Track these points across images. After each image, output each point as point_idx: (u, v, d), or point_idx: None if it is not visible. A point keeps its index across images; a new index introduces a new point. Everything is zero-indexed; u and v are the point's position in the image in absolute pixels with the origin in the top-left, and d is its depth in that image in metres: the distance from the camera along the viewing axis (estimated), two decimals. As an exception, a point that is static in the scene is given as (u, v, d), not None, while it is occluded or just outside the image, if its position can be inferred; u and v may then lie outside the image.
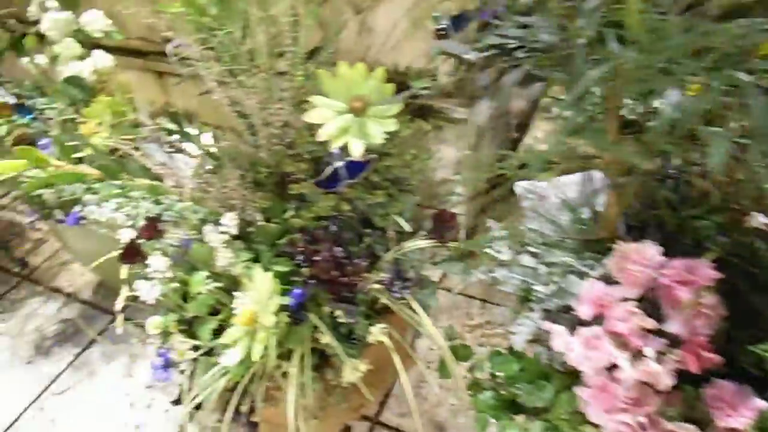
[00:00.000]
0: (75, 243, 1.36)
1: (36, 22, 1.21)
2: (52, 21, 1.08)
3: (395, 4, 1.12)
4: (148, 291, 0.71)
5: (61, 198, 1.08)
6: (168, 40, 1.27)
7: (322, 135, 0.73)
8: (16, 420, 1.22)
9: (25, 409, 1.24)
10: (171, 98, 1.63)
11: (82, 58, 1.25)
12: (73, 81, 1.14)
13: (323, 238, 0.69)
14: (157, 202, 0.77)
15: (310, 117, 0.74)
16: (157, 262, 0.71)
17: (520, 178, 0.94)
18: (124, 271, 0.92)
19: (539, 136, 1.19)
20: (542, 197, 0.99)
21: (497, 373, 0.79)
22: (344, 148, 0.65)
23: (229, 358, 0.65)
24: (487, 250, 0.80)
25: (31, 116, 0.98)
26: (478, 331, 1.27)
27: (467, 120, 1.27)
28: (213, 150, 0.85)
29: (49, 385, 1.28)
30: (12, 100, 0.92)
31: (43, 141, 0.79)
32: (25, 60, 1.25)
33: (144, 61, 1.56)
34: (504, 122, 1.55)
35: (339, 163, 0.66)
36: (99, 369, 1.31)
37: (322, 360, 0.80)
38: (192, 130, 0.94)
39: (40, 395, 1.26)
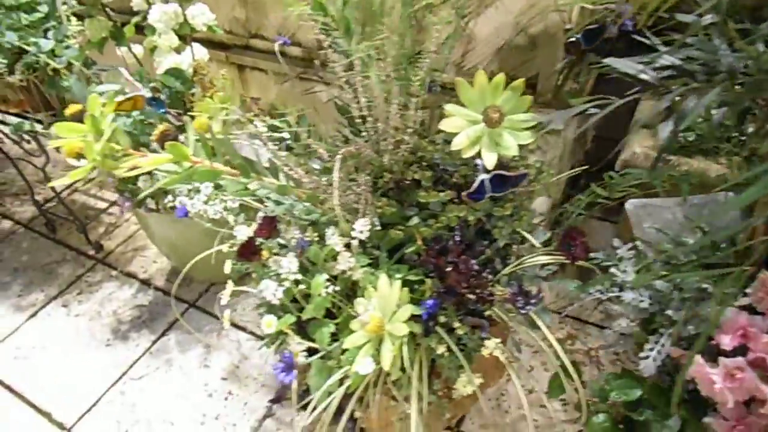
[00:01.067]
0: (158, 231, 1.38)
1: (137, 12, 1.23)
2: (161, 13, 1.09)
3: (500, 12, 1.10)
4: (273, 291, 0.70)
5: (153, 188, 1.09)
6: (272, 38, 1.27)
7: (455, 144, 0.72)
8: (97, 401, 1.24)
9: (106, 392, 1.26)
10: (251, 92, 1.64)
11: (178, 50, 1.26)
12: (174, 73, 1.15)
13: (452, 249, 0.68)
14: (278, 202, 0.77)
15: (445, 125, 0.73)
16: (289, 264, 0.71)
17: (632, 196, 0.91)
18: (228, 266, 0.92)
19: (638, 151, 1.15)
20: (659, 216, 0.96)
21: (615, 396, 0.77)
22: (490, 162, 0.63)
23: (364, 367, 0.64)
24: (612, 270, 0.78)
25: (164, 110, 1.00)
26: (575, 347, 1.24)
27: (559, 130, 1.24)
28: (327, 152, 0.85)
29: (128, 370, 1.30)
30: (147, 93, 0.93)
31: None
32: (123, 49, 1.28)
33: (226, 53, 1.57)
34: (583, 135, 1.51)
35: (485, 176, 0.64)
36: (176, 357, 1.32)
37: (430, 370, 0.79)
38: (301, 130, 0.94)
39: (119, 379, 1.29)
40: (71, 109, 0.68)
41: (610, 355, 1.25)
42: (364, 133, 0.82)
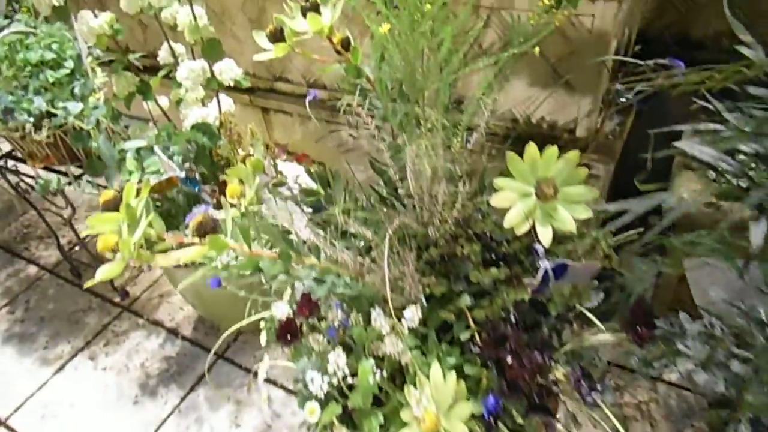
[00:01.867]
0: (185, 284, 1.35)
1: (164, 66, 1.21)
2: (188, 70, 1.07)
3: (537, 59, 1.05)
4: (319, 385, 0.66)
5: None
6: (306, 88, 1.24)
7: (508, 221, 0.67)
8: (127, 465, 1.21)
9: (135, 454, 1.23)
10: (275, 134, 1.61)
11: (204, 100, 1.24)
12: (201, 128, 1.12)
13: (510, 336, 0.63)
14: (319, 280, 0.73)
15: (495, 201, 0.68)
16: (336, 359, 0.66)
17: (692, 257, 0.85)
18: (263, 339, 0.88)
19: (686, 196, 1.09)
20: (723, 278, 0.90)
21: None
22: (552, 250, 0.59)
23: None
24: (679, 347, 0.72)
25: (199, 188, 0.97)
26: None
27: (599, 177, 1.19)
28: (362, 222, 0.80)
29: (157, 430, 1.27)
30: (181, 174, 0.91)
31: (200, 210, 0.77)
32: (150, 104, 1.26)
33: (251, 96, 1.55)
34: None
35: (548, 263, 0.59)
36: (205, 415, 1.28)
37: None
38: (337, 190, 0.90)
39: (149, 439, 1.25)
40: (105, 196, 0.65)
41: (662, 409, 1.18)
42: (403, 196, 0.78)
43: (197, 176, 0.97)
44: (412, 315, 0.65)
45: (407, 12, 0.64)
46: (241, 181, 0.93)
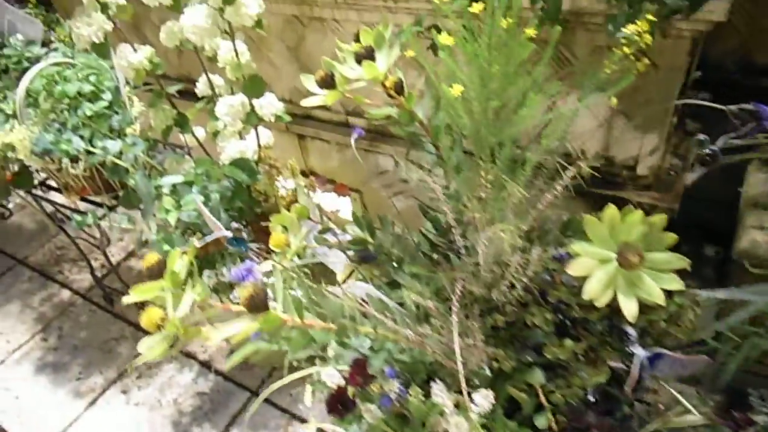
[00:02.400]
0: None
1: (202, 98, 1.17)
2: (228, 106, 1.03)
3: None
4: (377, 469, 0.60)
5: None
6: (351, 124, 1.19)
7: (587, 293, 0.61)
8: None
9: (169, 498, 1.19)
10: (310, 160, 1.57)
11: (241, 133, 1.20)
12: (240, 164, 1.08)
13: (594, 425, 0.56)
14: (375, 350, 0.67)
15: (573, 269, 0.62)
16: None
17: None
18: (308, 397, 0.83)
19: (759, 239, 1.01)
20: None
21: None
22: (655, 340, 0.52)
23: None
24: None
25: (245, 247, 0.93)
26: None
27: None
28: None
29: (191, 472, 1.23)
30: (228, 234, 0.86)
31: (246, 268, 0.72)
32: (188, 136, 1.23)
33: (287, 123, 1.50)
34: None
35: (644, 353, 0.52)
36: (241, 458, 1.24)
37: None
38: (385, 238, 0.85)
39: (182, 483, 1.21)
40: (148, 261, 0.61)
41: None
42: (459, 247, 0.72)
43: (244, 235, 0.92)
44: (484, 400, 0.59)
45: (477, 69, 0.58)
46: (285, 228, 0.88)
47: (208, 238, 0.69)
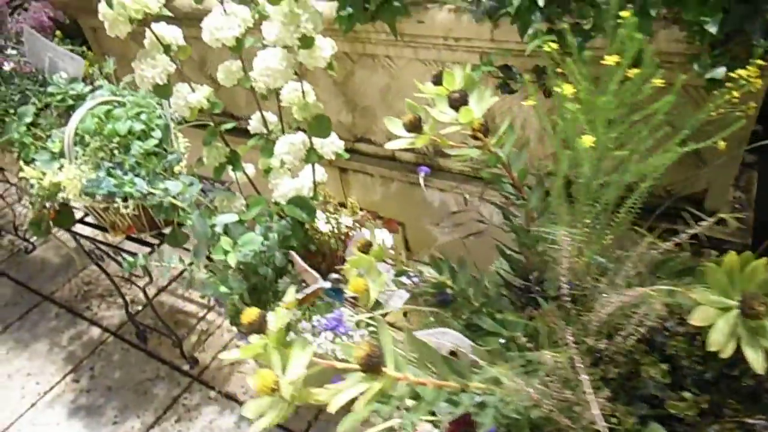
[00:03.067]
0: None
1: (254, 135, 1.16)
2: (288, 144, 1.01)
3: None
4: None
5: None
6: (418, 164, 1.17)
7: (711, 344, 0.58)
8: None
9: None
10: (352, 193, 1.55)
11: (293, 171, 1.18)
12: (298, 202, 1.06)
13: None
14: (483, 404, 0.63)
15: (695, 319, 0.59)
16: None
17: None
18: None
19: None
20: None
21: None
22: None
23: None
24: None
25: (341, 298, 0.90)
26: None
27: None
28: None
29: None
30: (326, 284, 0.84)
31: (335, 317, 0.69)
32: (238, 174, 1.20)
33: (329, 157, 1.49)
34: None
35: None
36: None
37: None
38: (463, 280, 0.82)
39: None
40: (247, 317, 0.58)
41: None
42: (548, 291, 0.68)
43: (342, 288, 0.89)
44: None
45: (601, 118, 0.56)
46: (360, 273, 0.85)
47: (308, 290, 0.67)
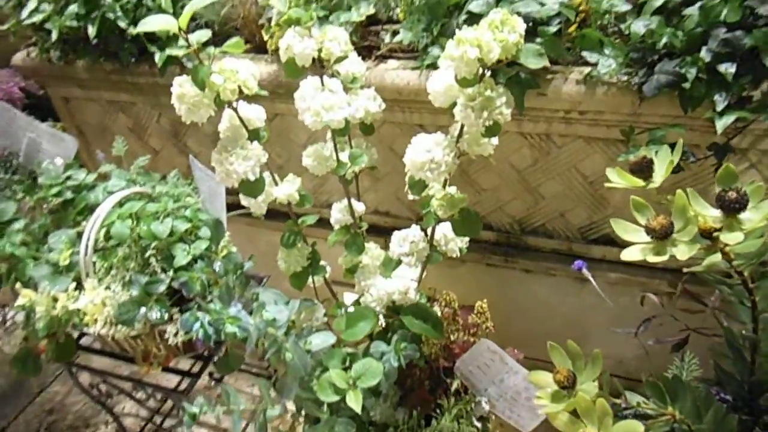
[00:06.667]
0: None
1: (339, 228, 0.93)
2: (408, 243, 0.80)
3: None
4: None
5: None
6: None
7: None
8: None
9: None
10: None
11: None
12: (419, 314, 0.84)
13: None
14: None
15: None
16: None
17: None
18: None
19: None
20: None
21: None
22: None
23: None
24: None
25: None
26: None
27: None
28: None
29: None
30: None
31: None
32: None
33: (386, 238, 1.28)
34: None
35: None
36: None
37: None
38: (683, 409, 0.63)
39: None
40: None
41: None
42: None
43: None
44: None
45: None
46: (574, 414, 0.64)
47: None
